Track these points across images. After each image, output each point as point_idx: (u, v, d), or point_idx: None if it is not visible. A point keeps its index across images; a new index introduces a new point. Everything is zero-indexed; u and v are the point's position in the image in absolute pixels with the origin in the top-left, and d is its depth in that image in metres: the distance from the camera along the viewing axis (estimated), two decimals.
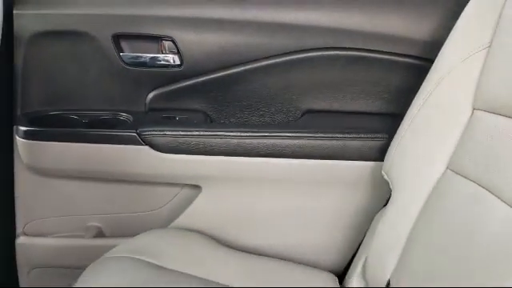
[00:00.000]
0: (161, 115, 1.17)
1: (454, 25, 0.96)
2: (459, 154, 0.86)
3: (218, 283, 0.93)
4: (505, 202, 0.70)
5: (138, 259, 0.94)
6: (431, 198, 0.88)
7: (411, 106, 0.99)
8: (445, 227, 0.82)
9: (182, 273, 0.93)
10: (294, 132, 1.12)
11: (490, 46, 0.87)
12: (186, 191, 1.19)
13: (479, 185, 0.77)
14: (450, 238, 0.79)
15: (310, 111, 1.18)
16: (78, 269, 0.96)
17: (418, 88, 0.98)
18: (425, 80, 0.98)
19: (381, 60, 1.11)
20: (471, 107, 0.88)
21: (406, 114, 0.99)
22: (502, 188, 0.71)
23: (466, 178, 0.81)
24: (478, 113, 0.86)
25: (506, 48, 0.83)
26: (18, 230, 1.20)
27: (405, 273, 0.89)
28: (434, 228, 0.85)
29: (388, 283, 0.92)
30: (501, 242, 0.67)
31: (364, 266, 1.01)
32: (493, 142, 0.79)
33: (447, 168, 0.87)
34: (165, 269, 0.93)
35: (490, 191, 0.74)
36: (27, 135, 1.10)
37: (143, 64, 1.14)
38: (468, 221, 0.77)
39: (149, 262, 0.93)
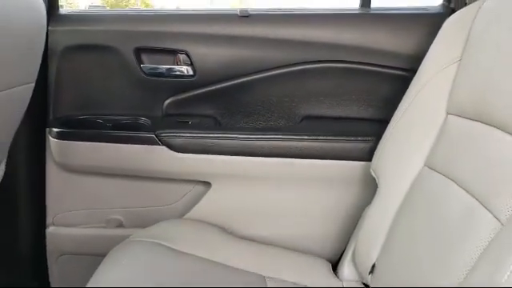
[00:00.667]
0: (176, 120, 1.31)
1: (433, 41, 1.09)
2: (434, 152, 0.99)
3: (226, 265, 1.06)
4: (466, 190, 0.82)
5: (157, 243, 1.06)
6: (410, 191, 1.01)
7: (396, 112, 1.12)
8: (420, 216, 0.95)
9: (194, 255, 1.06)
10: (295, 135, 1.26)
11: (460, 60, 1.01)
12: (197, 188, 1.32)
13: (447, 177, 0.89)
14: (424, 225, 0.92)
15: (308, 117, 1.31)
16: (101, 256, 1.09)
17: (403, 96, 1.11)
18: (407, 89, 1.11)
19: (370, 71, 1.24)
20: (445, 112, 1.00)
21: (392, 119, 1.12)
22: (465, 179, 0.84)
23: (438, 172, 0.94)
24: (451, 117, 0.98)
25: (473, 61, 0.96)
26: (48, 220, 1.33)
27: (388, 257, 1.01)
28: (412, 217, 0.97)
29: (373, 267, 1.04)
30: (462, 225, 0.79)
31: (353, 253, 1.13)
32: (460, 141, 0.92)
33: (424, 165, 1.00)
34: (179, 252, 1.06)
35: (455, 182, 0.86)
36: (59, 136, 1.24)
37: (160, 74, 1.28)
38: (438, 209, 0.89)
39: (166, 246, 1.06)
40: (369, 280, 1.06)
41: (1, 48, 0.76)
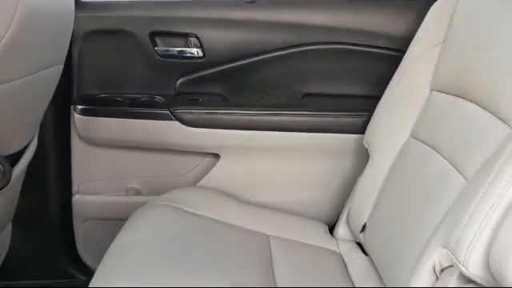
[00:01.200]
0: (187, 97, 1.42)
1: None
2: (418, 124, 1.10)
3: (234, 225, 1.19)
4: (442, 155, 0.94)
5: (173, 206, 1.19)
6: (397, 159, 1.13)
7: (387, 88, 1.23)
8: (404, 179, 1.07)
9: (206, 217, 1.19)
10: (296, 111, 1.38)
11: (443, 42, 1.11)
12: (207, 159, 1.45)
13: (428, 145, 1.01)
14: (407, 187, 1.04)
15: (308, 94, 1.42)
16: (121, 220, 1.21)
17: (388, 76, 1.22)
18: (397, 68, 1.22)
19: (365, 52, 1.35)
20: (429, 88, 1.12)
21: (383, 95, 1.24)
22: (442, 146, 0.96)
23: (420, 141, 1.06)
24: (434, 93, 1.10)
25: (454, 43, 1.07)
26: (74, 189, 1.46)
27: (376, 217, 1.13)
28: (397, 181, 1.10)
29: (364, 226, 1.17)
30: (437, 184, 0.91)
31: (347, 216, 1.26)
32: (440, 114, 1.04)
33: (410, 135, 1.12)
34: (193, 213, 1.18)
35: (434, 149, 0.98)
36: (83, 112, 1.37)
37: (173, 56, 1.39)
38: (419, 172, 1.01)
39: (181, 209, 1.19)
40: (360, 238, 1.19)
41: (36, 32, 0.87)
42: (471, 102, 0.93)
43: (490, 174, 0.72)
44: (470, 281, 0.74)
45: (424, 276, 0.81)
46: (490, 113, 0.85)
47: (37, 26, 0.84)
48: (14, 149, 1.01)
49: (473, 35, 0.99)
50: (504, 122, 0.80)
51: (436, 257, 0.79)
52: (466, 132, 0.90)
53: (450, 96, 1.02)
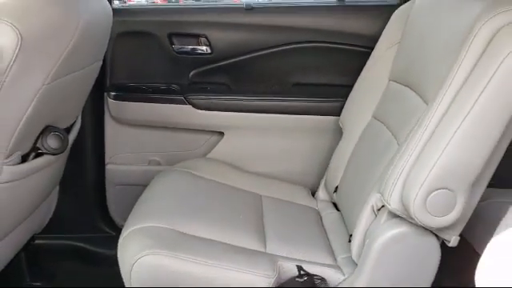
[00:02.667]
0: (198, 86, 1.71)
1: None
2: (378, 107, 1.38)
3: (234, 187, 1.48)
4: (389, 130, 1.22)
5: (186, 171, 1.49)
6: (362, 134, 1.41)
7: (358, 79, 1.51)
8: (364, 149, 1.35)
9: (212, 180, 1.48)
10: (286, 97, 1.67)
11: (399, 42, 1.39)
12: (214, 136, 1.73)
13: (382, 123, 1.29)
14: (365, 155, 1.32)
15: (297, 84, 1.70)
16: (144, 186, 1.50)
17: (359, 68, 1.50)
18: (366, 62, 1.50)
19: (342, 49, 1.63)
20: (388, 79, 1.39)
21: (355, 84, 1.52)
22: (389, 123, 1.24)
23: (378, 120, 1.34)
24: (391, 82, 1.37)
25: (405, 43, 1.34)
26: (107, 160, 1.75)
27: (345, 179, 1.41)
28: (360, 151, 1.38)
29: (336, 187, 1.45)
30: (383, 152, 1.17)
31: (325, 181, 1.55)
32: (392, 99, 1.32)
33: (372, 116, 1.40)
34: (202, 177, 1.47)
35: (384, 125, 1.26)
36: (114, 97, 1.66)
37: (187, 53, 1.68)
38: (373, 143, 1.30)
39: (193, 174, 1.48)
40: (334, 198, 1.47)
41: (89, 37, 1.16)
42: (411, 89, 1.21)
43: (406, 139, 1.00)
44: (395, 216, 1.02)
45: (366, 216, 1.10)
46: (420, 96, 1.13)
47: (90, 32, 1.13)
48: (67, 124, 1.31)
49: (417, 37, 1.26)
50: (425, 102, 1.08)
51: (373, 201, 1.08)
52: (404, 112, 1.18)
53: (401, 85, 1.29)
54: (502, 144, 0.92)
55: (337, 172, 1.46)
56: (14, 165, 1.07)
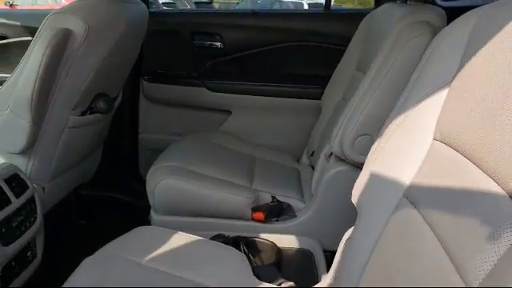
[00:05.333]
0: (213, 73, 2.14)
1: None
2: (345, 90, 1.77)
3: (236, 151, 1.89)
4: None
5: (202, 137, 1.91)
6: (332, 111, 1.80)
7: (334, 71, 1.91)
8: (332, 122, 1.74)
9: (221, 145, 1.89)
10: (281, 84, 2.07)
11: (364, 40, 1.77)
12: (223, 114, 2.15)
13: (346, 101, 1.68)
14: (332, 125, 1.72)
15: (289, 74, 2.11)
16: None
17: (336, 62, 1.89)
18: (342, 58, 1.89)
19: (326, 47, 2.03)
20: (355, 69, 1.79)
21: (332, 75, 1.91)
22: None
23: (344, 99, 1.73)
24: (356, 72, 1.77)
25: (365, 41, 1.73)
26: (140, 130, 2.20)
27: (318, 147, 1.81)
28: (329, 124, 1.77)
29: (313, 152, 1.84)
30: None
31: (307, 148, 1.94)
32: (354, 82, 1.71)
33: (342, 98, 1.79)
34: (214, 143, 1.88)
35: (345, 99, 1.64)
36: (148, 81, 2.11)
37: (204, 47, 2.11)
38: (338, 116, 1.69)
39: (203, 140, 1.90)
40: (312, 160, 1.86)
41: (130, 31, 1.61)
42: (363, 73, 1.60)
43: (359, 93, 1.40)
44: (339, 159, 1.42)
45: (321, 161, 1.50)
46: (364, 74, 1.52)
47: (132, 27, 1.58)
48: (112, 96, 1.76)
49: (372, 36, 1.65)
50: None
51: (327, 149, 1.48)
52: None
53: (360, 72, 1.68)
54: None
55: (314, 141, 1.85)
56: (76, 116, 1.53)
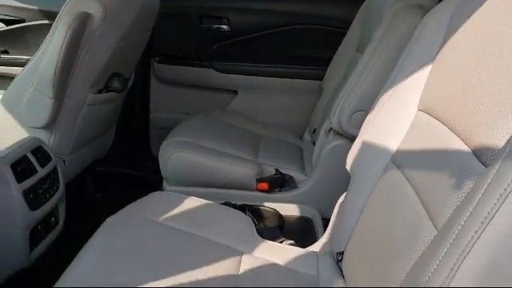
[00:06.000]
0: (220, 55, 2.23)
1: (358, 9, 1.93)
2: (346, 71, 1.87)
3: (242, 128, 1.99)
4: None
5: (211, 115, 2.02)
6: (332, 94, 1.90)
7: (336, 53, 2.00)
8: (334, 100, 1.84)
9: (229, 123, 1.99)
10: (285, 65, 2.17)
11: (362, 24, 1.86)
12: (230, 94, 2.25)
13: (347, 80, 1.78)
14: (332, 102, 1.82)
15: (293, 56, 2.20)
16: None
17: (338, 44, 1.98)
18: (342, 40, 1.98)
19: (328, 30, 2.11)
20: (355, 51, 1.87)
21: (333, 57, 2.00)
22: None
23: (345, 79, 1.82)
24: (355, 53, 1.86)
25: (363, 24, 1.81)
26: (151, 109, 2.30)
27: (319, 125, 1.91)
28: (330, 103, 1.87)
29: (315, 129, 1.94)
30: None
31: (309, 126, 2.05)
32: (354, 64, 1.80)
33: (342, 77, 1.89)
34: (222, 121, 1.99)
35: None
36: (158, 62, 2.21)
37: (212, 30, 2.20)
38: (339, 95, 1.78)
39: (211, 119, 2.01)
40: (313, 137, 1.96)
41: (144, 14, 1.70)
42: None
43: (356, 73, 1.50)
44: (338, 134, 1.52)
45: (321, 137, 1.60)
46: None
47: (144, 10, 1.67)
48: (126, 76, 1.87)
49: (369, 20, 1.74)
50: None
51: (326, 125, 1.58)
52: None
53: (359, 54, 1.77)
54: None
55: (316, 119, 1.96)
56: (94, 94, 1.64)
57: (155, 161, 2.30)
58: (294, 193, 1.57)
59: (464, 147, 0.69)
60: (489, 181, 0.54)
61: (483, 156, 0.63)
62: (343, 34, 2.00)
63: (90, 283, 0.88)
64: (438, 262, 0.56)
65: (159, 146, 2.27)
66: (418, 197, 0.76)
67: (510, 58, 0.65)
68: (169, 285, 0.87)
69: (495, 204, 0.52)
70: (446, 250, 0.56)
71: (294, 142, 2.00)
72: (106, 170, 2.26)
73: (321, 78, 2.08)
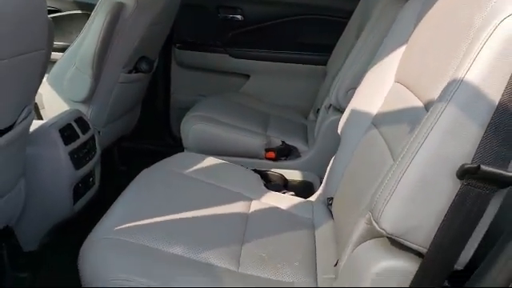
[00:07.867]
0: (234, 41, 2.45)
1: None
2: (349, 56, 2.09)
3: (253, 108, 2.22)
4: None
5: (223, 97, 2.26)
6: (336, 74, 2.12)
7: (339, 40, 2.22)
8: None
9: (241, 104, 2.22)
10: (293, 51, 2.40)
11: (362, 15, 2.07)
12: (243, 78, 2.48)
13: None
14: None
15: (300, 42, 2.42)
16: None
17: (341, 33, 2.20)
18: (345, 29, 2.19)
19: (332, 20, 2.33)
20: (355, 38, 2.09)
21: (337, 43, 2.22)
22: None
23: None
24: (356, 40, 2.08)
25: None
26: (171, 91, 2.53)
27: (323, 103, 2.13)
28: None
29: (318, 109, 2.17)
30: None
31: (314, 107, 2.27)
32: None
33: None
34: (234, 102, 2.22)
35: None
36: (179, 48, 2.44)
37: (228, 19, 2.43)
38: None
39: (225, 101, 2.23)
40: (317, 116, 2.19)
41: (168, 4, 1.94)
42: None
43: (352, 55, 1.72)
44: (336, 109, 1.74)
45: (322, 113, 1.83)
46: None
47: (169, 2, 1.91)
48: (152, 58, 2.11)
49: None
50: (356, 37, 1.79)
51: (326, 102, 1.81)
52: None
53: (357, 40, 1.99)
54: None
55: (320, 99, 2.18)
56: (125, 74, 1.89)
57: (174, 138, 2.59)
58: (298, 161, 1.80)
59: (419, 103, 0.92)
60: (422, 122, 0.77)
61: (429, 107, 0.82)
62: (346, 24, 2.21)
63: (130, 217, 1.11)
64: (388, 177, 0.79)
65: (178, 124, 2.48)
66: (387, 145, 0.98)
67: (455, 33, 0.84)
68: (193, 216, 1.11)
69: (423, 137, 0.74)
70: (392, 170, 0.79)
71: (300, 121, 2.23)
72: (130, 145, 2.50)
73: (325, 63, 2.30)
